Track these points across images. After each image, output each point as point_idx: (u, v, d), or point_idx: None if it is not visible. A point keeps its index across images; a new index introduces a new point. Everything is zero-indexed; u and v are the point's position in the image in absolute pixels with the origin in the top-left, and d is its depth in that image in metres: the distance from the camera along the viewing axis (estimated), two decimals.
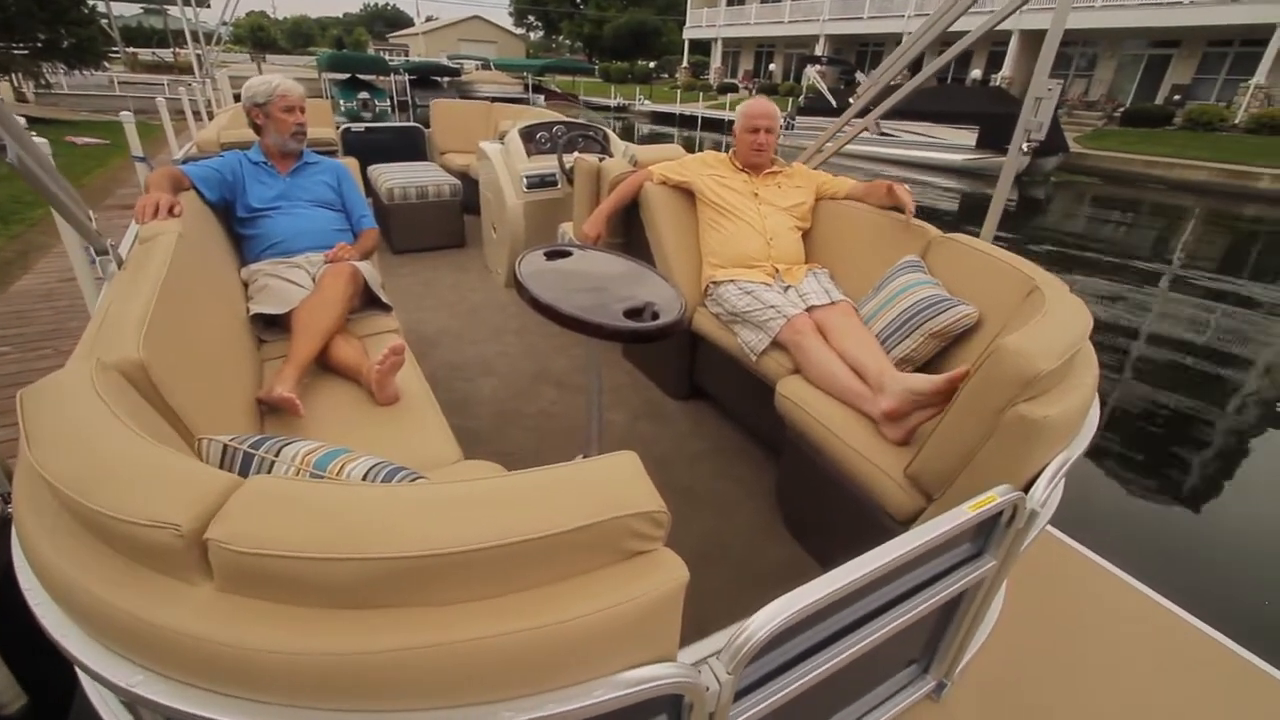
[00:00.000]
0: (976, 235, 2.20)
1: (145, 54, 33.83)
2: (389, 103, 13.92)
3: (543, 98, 19.82)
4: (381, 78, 14.96)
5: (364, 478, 1.02)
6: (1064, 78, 20.86)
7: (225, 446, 1.03)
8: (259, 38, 59.35)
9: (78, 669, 0.69)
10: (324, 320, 1.89)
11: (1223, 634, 1.69)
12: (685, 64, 35.51)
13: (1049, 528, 1.90)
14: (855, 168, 15.09)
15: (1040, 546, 1.85)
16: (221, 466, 1.02)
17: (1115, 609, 1.77)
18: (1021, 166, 13.27)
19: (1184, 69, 19.02)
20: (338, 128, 5.10)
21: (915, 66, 2.89)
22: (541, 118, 4.43)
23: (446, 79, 16.92)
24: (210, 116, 6.47)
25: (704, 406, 2.71)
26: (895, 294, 2.02)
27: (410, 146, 5.55)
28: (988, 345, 1.40)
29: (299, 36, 73.22)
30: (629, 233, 2.83)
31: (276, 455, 1.02)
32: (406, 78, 15.98)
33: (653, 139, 20.95)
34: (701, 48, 34.85)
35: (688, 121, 23.90)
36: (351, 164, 2.67)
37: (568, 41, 50.62)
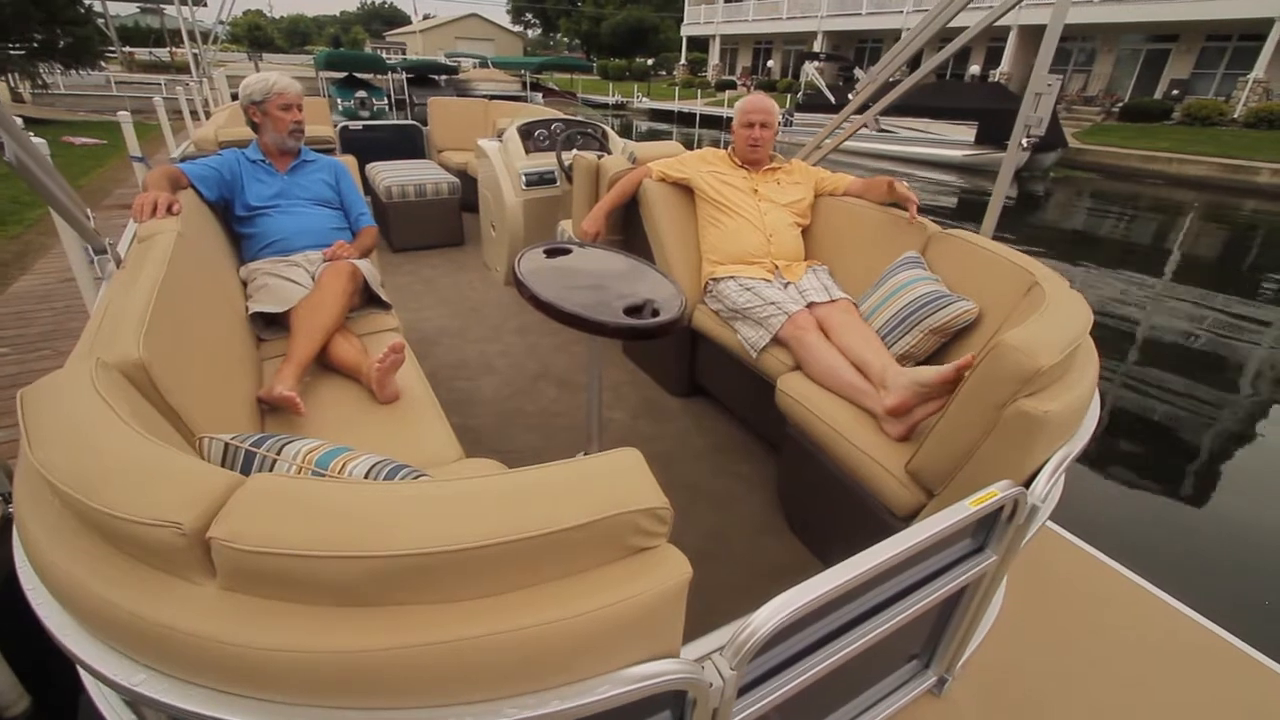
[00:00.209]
0: (976, 231, 2.20)
1: (142, 54, 33.75)
2: (386, 101, 13.92)
3: (540, 95, 19.81)
4: (379, 76, 14.96)
5: (366, 476, 1.02)
6: (1063, 73, 20.84)
7: (227, 445, 1.03)
8: (256, 37, 59.25)
9: (80, 669, 0.69)
10: (323, 318, 1.89)
11: (1222, 627, 1.69)
12: (683, 61, 35.44)
13: (1049, 523, 1.91)
14: (854, 164, 15.08)
15: (1040, 542, 1.85)
16: (223, 465, 1.02)
17: (1115, 603, 1.77)
18: (1020, 162, 13.28)
19: (1182, 63, 19.00)
20: (335, 126, 5.09)
21: (914, 62, 2.89)
22: (540, 115, 4.42)
23: (444, 77, 16.91)
24: (207, 116, 6.45)
25: (704, 404, 2.71)
26: (895, 290, 2.02)
27: (408, 144, 5.54)
28: (988, 341, 1.40)
29: (296, 35, 73.08)
30: (628, 230, 2.83)
31: (278, 454, 1.02)
32: (404, 76, 15.97)
33: (651, 136, 20.93)
34: (699, 44, 34.78)
35: (686, 119, 23.87)
36: (349, 162, 2.67)
37: (565, 39, 50.53)
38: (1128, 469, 3.69)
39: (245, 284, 2.13)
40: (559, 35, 51.84)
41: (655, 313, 1.58)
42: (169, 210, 1.76)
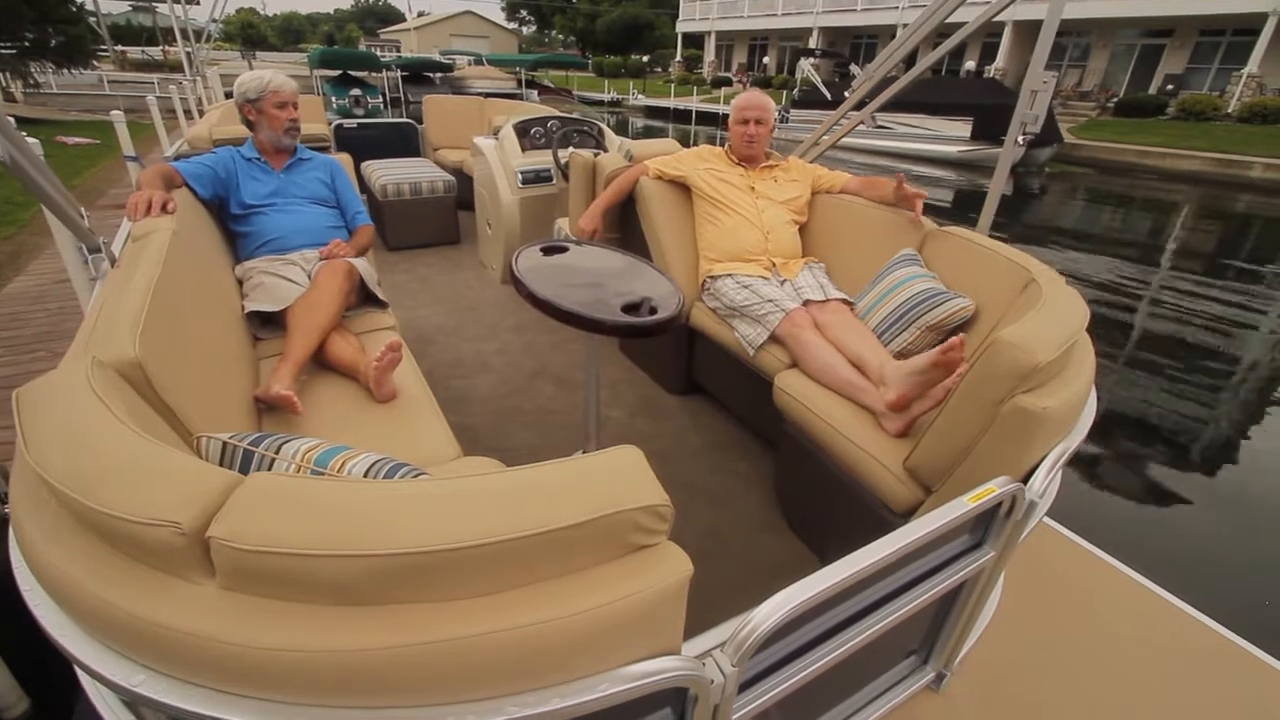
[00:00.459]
0: (973, 228, 2.20)
1: (134, 52, 33.54)
2: (381, 99, 13.86)
3: (536, 93, 19.75)
4: (374, 74, 14.89)
5: (365, 474, 1.02)
6: (1058, 68, 20.87)
7: (225, 444, 1.02)
8: (249, 35, 58.95)
9: (78, 670, 0.69)
10: (320, 317, 1.88)
11: (1219, 623, 1.70)
12: (679, 58, 35.38)
13: (1046, 519, 1.91)
14: (851, 161, 15.09)
15: (1038, 538, 1.86)
16: (221, 464, 1.02)
17: (1112, 599, 1.78)
18: (1016, 158, 13.27)
19: (1177, 59, 19.04)
20: (330, 124, 5.07)
21: (910, 59, 2.89)
22: (535, 113, 4.41)
23: (439, 75, 16.84)
24: (201, 115, 6.42)
25: (702, 401, 2.71)
26: (892, 287, 2.02)
27: (403, 143, 5.52)
28: (985, 338, 1.41)
29: (289, 33, 72.72)
30: (625, 227, 2.82)
31: (277, 453, 1.01)
32: (399, 74, 15.91)
33: (647, 134, 20.89)
34: (695, 41, 34.72)
35: (682, 116, 23.85)
36: (345, 160, 2.66)
37: (560, 36, 50.42)
38: (1123, 459, 3.70)
39: (241, 283, 2.12)
40: (554, 32, 51.71)
41: (653, 310, 1.58)
42: (164, 209, 1.75)
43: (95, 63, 18.89)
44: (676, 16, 34.33)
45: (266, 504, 0.67)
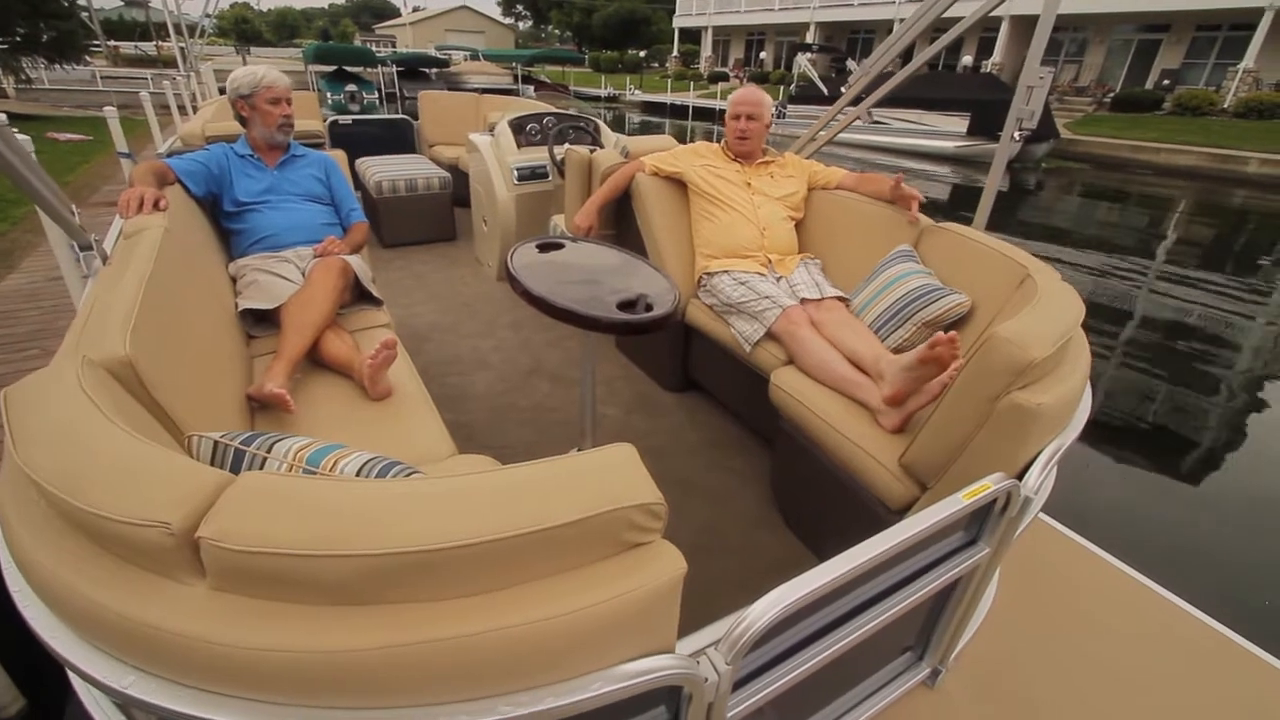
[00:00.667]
0: (969, 224, 2.20)
1: (127, 47, 33.31)
2: (377, 95, 13.79)
3: (532, 88, 19.67)
4: (369, 70, 14.81)
5: (358, 473, 1.01)
6: (1054, 63, 20.86)
7: (216, 443, 1.02)
8: (243, 30, 58.59)
9: (69, 671, 0.69)
10: (314, 315, 1.87)
11: (1213, 618, 1.71)
12: (676, 53, 35.26)
13: (1041, 515, 1.92)
14: (847, 156, 15.08)
15: (1033, 534, 1.87)
16: (212, 464, 1.01)
17: (1107, 594, 1.79)
18: (1013, 154, 13.27)
19: (1173, 53, 19.05)
20: (324, 120, 5.04)
21: (907, 54, 2.88)
22: (531, 109, 4.39)
23: (434, 70, 16.78)
24: (195, 111, 6.38)
25: (698, 398, 2.71)
26: (888, 284, 2.02)
27: (399, 139, 5.50)
28: (980, 334, 1.41)
29: (284, 28, 72.29)
30: (621, 224, 2.81)
31: (268, 452, 1.01)
32: (394, 69, 15.84)
33: (644, 129, 20.85)
34: (692, 36, 34.61)
35: (679, 111, 23.78)
36: (339, 157, 2.64)
37: (557, 31, 50.24)
38: (1119, 454, 3.71)
39: (235, 280, 2.11)
40: (550, 27, 51.55)
41: (649, 307, 1.58)
42: (155, 206, 1.74)
43: (88, 58, 18.79)
44: (673, 11, 34.20)
45: (257, 504, 0.67)
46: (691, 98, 23.71)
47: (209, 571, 0.65)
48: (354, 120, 5.32)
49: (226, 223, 2.24)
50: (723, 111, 2.67)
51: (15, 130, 1.54)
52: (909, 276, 1.97)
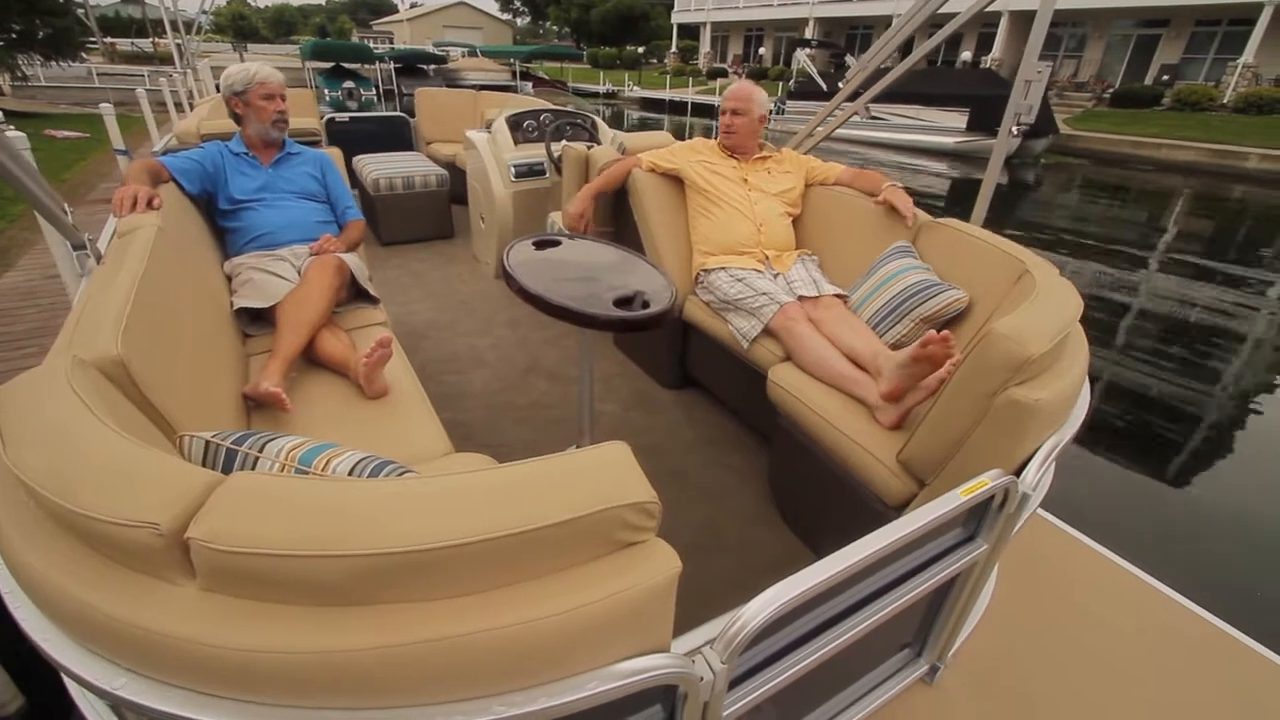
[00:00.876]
0: (967, 219, 2.19)
1: (124, 44, 33.23)
2: (375, 92, 13.75)
3: (530, 85, 19.63)
4: (367, 66, 14.77)
5: (350, 473, 1.01)
6: (1053, 59, 20.84)
7: (208, 443, 1.01)
8: (240, 26, 58.46)
9: (61, 673, 0.68)
10: (309, 313, 1.86)
11: (1212, 613, 1.71)
12: (674, 49, 35.19)
13: (1039, 511, 1.92)
14: (846, 152, 15.05)
15: (1031, 529, 1.86)
16: (204, 464, 1.00)
17: (1105, 590, 1.79)
18: (1011, 149, 13.26)
19: (1172, 49, 19.02)
20: (322, 118, 5.02)
21: (905, 49, 2.87)
22: (528, 106, 4.38)
23: (432, 67, 16.74)
24: (192, 108, 6.36)
25: (696, 395, 2.71)
26: (885, 280, 2.01)
27: (396, 136, 5.48)
28: (978, 330, 1.40)
29: (281, 25, 72.02)
30: (618, 221, 2.81)
31: (260, 451, 1.00)
32: (392, 66, 15.79)
33: (642, 125, 20.81)
34: (690, 32, 34.52)
35: (677, 107, 23.73)
36: (335, 154, 2.63)
37: (555, 27, 50.08)
38: (1118, 450, 3.71)
39: (230, 279, 2.10)
40: (548, 23, 51.37)
41: (646, 304, 1.57)
42: (149, 204, 1.73)
43: (84, 55, 18.69)
44: (672, 7, 34.12)
45: (247, 504, 0.66)
46: (690, 94, 23.67)
47: (199, 572, 0.64)
48: (351, 118, 5.30)
49: (222, 221, 2.23)
50: None
51: (11, 127, 1.53)
52: (907, 272, 1.97)
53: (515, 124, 3.90)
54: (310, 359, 1.87)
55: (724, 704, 0.85)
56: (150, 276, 1.35)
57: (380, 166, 4.42)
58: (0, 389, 0.86)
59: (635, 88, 27.57)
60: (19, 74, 14.97)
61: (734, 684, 0.89)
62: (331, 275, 2.01)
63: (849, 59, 17.94)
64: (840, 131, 3.23)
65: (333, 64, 13.56)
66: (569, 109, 4.31)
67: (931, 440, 1.42)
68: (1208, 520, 3.18)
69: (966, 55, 21.43)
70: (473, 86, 7.76)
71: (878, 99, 2.99)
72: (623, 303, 1.56)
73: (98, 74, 20.33)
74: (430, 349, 3.05)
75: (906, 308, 1.91)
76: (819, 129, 3.03)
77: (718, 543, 1.95)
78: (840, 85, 3.03)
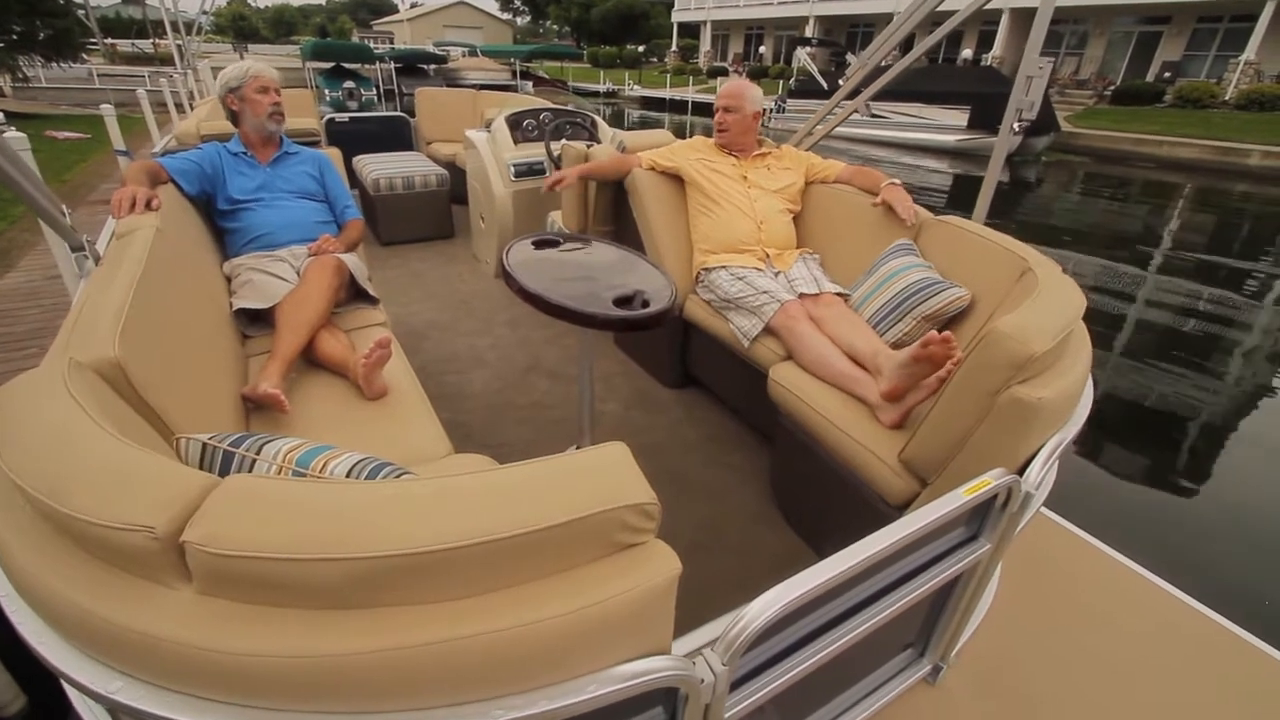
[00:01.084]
0: (969, 217, 2.18)
1: (124, 45, 33.27)
2: (375, 92, 13.74)
3: (530, 84, 19.61)
4: (367, 66, 14.75)
5: (348, 474, 1.00)
6: (1054, 56, 20.78)
7: (204, 445, 1.00)
8: (240, 27, 58.53)
9: (59, 677, 0.68)
10: (309, 314, 1.86)
11: (1216, 611, 1.70)
12: (674, 48, 35.15)
13: (1043, 509, 1.91)
14: (847, 150, 15.03)
15: (1034, 528, 1.85)
16: (201, 466, 1.00)
17: (1109, 588, 1.78)
18: (1013, 147, 13.23)
19: (1174, 46, 18.97)
20: (321, 118, 5.02)
21: (905, 47, 2.86)
22: (527, 105, 4.37)
23: (433, 67, 16.72)
24: (193, 109, 6.37)
25: (697, 394, 2.70)
26: (887, 278, 2.00)
27: (396, 136, 5.48)
28: (981, 328, 1.39)
29: (281, 25, 72.09)
30: (619, 220, 2.80)
31: (258, 453, 1.00)
32: (392, 66, 15.78)
33: (643, 124, 20.80)
34: (691, 31, 34.49)
35: (678, 106, 23.72)
36: (335, 154, 2.63)
37: (555, 26, 50.08)
38: (1120, 447, 3.70)
39: (229, 280, 2.10)
40: (548, 22, 51.39)
41: (646, 304, 1.56)
42: (148, 205, 1.73)
43: (84, 56, 18.71)
44: (672, 6, 34.08)
45: (243, 507, 0.66)
46: (690, 93, 23.66)
47: (195, 576, 0.64)
48: (351, 118, 5.30)
49: (221, 221, 2.23)
50: None
51: (12, 128, 1.53)
52: (908, 270, 1.96)
53: (515, 123, 3.90)
54: (309, 360, 1.86)
55: (725, 706, 0.84)
56: (148, 278, 1.34)
57: (380, 166, 4.41)
58: None
59: (635, 87, 27.55)
60: (20, 75, 14.99)
61: (735, 685, 0.89)
62: (331, 275, 2.01)
63: (850, 57, 17.92)
64: (841, 130, 3.22)
65: (333, 64, 13.54)
66: (569, 108, 4.30)
67: (934, 439, 1.41)
68: (1213, 519, 3.16)
69: (967, 53, 21.40)
70: (473, 86, 7.76)
71: (878, 97, 2.97)
72: (623, 302, 1.55)
73: (98, 75, 20.35)
74: (430, 349, 3.04)
75: (908, 306, 1.90)
76: (819, 127, 3.02)
77: (719, 542, 1.94)
78: (841, 84, 3.02)
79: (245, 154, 2.27)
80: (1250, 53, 16.37)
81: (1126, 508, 3.24)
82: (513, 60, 20.64)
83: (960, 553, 1.18)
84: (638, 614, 0.71)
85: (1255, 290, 6.58)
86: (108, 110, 4.46)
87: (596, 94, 27.75)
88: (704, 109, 22.26)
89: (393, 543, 0.62)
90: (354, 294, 2.23)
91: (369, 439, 1.57)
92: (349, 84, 12.92)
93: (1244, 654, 1.61)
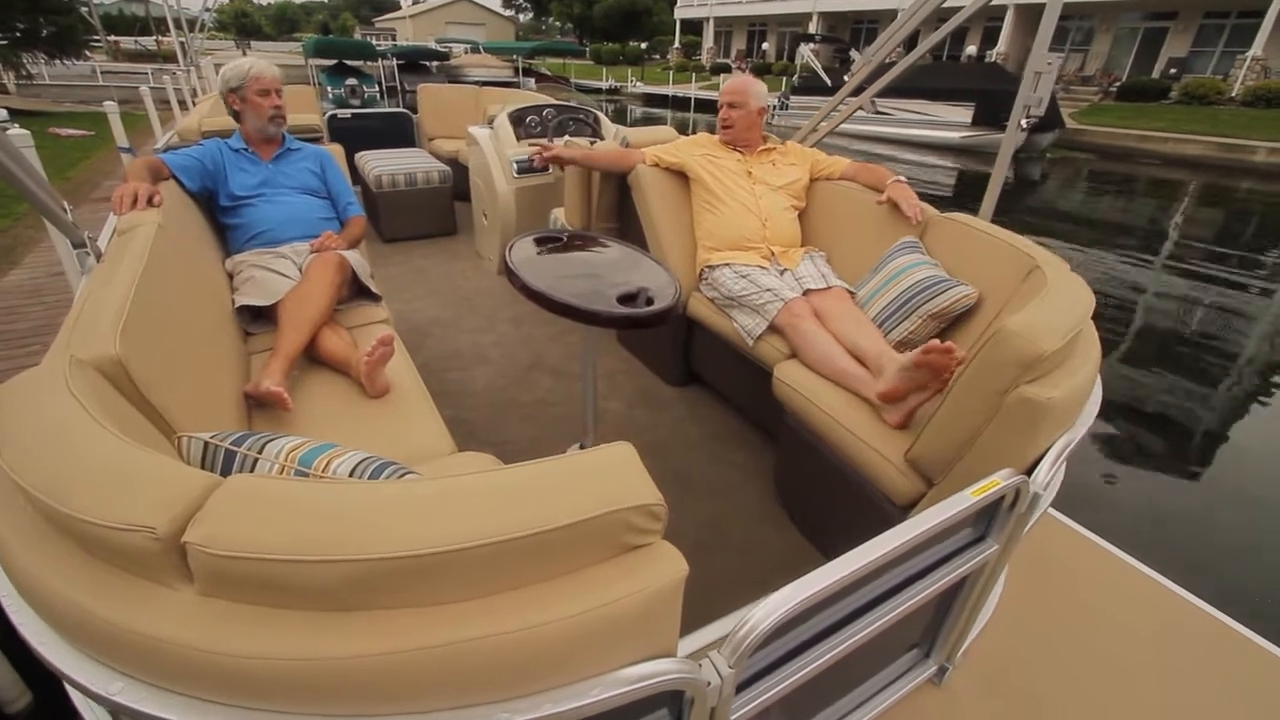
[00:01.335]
0: (975, 214, 2.17)
1: (127, 42, 33.33)
2: (377, 88, 13.73)
3: (533, 81, 19.56)
4: (369, 63, 14.74)
5: (351, 474, 0.99)
6: (1060, 52, 20.62)
7: (206, 444, 1.00)
8: (243, 24, 58.55)
9: (60, 678, 0.68)
10: (311, 311, 1.85)
11: (1223, 612, 1.68)
12: (677, 44, 35.06)
13: (1050, 510, 1.90)
14: (851, 148, 14.98)
15: (1041, 528, 1.84)
16: (203, 465, 0.99)
17: (1116, 589, 1.77)
18: (1018, 143, 13.18)
19: (1180, 42, 18.85)
20: (324, 114, 5.01)
21: (910, 43, 2.84)
22: (530, 101, 4.35)
23: (435, 63, 16.70)
24: (195, 106, 6.37)
25: (701, 392, 2.69)
26: (893, 275, 1.99)
27: (398, 133, 5.47)
28: (988, 326, 1.38)
29: (283, 22, 72.08)
30: (622, 218, 2.79)
31: (260, 452, 0.99)
32: (395, 63, 15.75)
33: (646, 121, 20.76)
34: (693, 27, 34.39)
35: (681, 103, 23.66)
36: (337, 151, 2.62)
37: (557, 23, 49.99)
38: (1125, 446, 3.69)
39: (231, 277, 2.09)
40: (551, 19, 51.29)
41: (649, 301, 1.56)
42: (149, 202, 1.72)
43: (88, 53, 18.73)
44: (675, 2, 33.98)
45: (245, 507, 0.65)
46: (693, 89, 23.59)
47: (197, 577, 0.63)
48: (353, 114, 5.29)
49: (222, 218, 2.22)
50: None
51: (15, 125, 1.52)
52: (915, 268, 1.94)
53: (518, 120, 3.88)
54: (312, 357, 1.86)
55: (731, 708, 0.84)
56: (150, 274, 1.34)
57: (383, 163, 4.41)
58: None
59: (638, 83, 27.49)
60: (23, 72, 15.01)
61: (741, 688, 0.88)
62: (333, 272, 2.00)
63: (854, 54, 17.88)
64: (845, 127, 3.21)
65: (335, 61, 13.53)
66: (572, 104, 4.29)
67: (940, 439, 1.40)
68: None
69: (972, 49, 21.30)
70: (475, 83, 7.74)
71: (883, 94, 2.96)
72: (626, 299, 1.55)
73: (101, 72, 20.40)
74: (433, 346, 3.03)
75: (914, 304, 1.89)
76: (823, 124, 3.00)
77: (722, 541, 1.93)
78: (845, 80, 3.01)
79: (247, 150, 2.27)
80: (1257, 49, 16.25)
81: (1126, 508, 3.22)
82: (515, 57, 20.58)
83: (968, 553, 1.17)
84: (644, 616, 0.70)
85: (1260, 289, 6.55)
86: (111, 107, 4.46)
87: (599, 91, 27.67)
88: (707, 106, 22.20)
89: (396, 544, 0.61)
90: (356, 291, 2.22)
91: (372, 437, 1.57)
92: (351, 81, 12.89)
93: (1251, 655, 1.59)
